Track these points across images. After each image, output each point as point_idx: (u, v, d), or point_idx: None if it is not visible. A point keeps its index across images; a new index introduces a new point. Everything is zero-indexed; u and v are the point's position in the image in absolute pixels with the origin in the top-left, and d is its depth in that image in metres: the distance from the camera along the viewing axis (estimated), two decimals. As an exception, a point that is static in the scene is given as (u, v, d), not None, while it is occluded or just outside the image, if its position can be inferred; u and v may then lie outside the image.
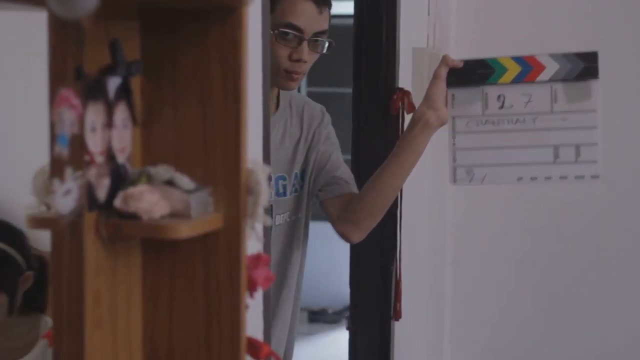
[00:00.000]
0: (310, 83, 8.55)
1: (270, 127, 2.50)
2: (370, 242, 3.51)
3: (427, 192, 4.03)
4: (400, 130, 3.53)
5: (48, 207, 1.64)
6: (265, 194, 1.66)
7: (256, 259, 1.71)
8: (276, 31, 2.86)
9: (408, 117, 3.59)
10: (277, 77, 2.91)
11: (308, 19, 2.94)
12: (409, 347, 3.97)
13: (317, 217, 2.96)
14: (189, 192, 1.61)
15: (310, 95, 8.63)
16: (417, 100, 3.65)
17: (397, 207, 3.49)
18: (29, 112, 3.69)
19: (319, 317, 8.56)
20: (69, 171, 1.53)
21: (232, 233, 1.65)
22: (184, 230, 1.56)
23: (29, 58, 3.43)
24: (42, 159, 1.73)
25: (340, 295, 8.48)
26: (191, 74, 1.67)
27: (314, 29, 2.95)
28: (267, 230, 2.61)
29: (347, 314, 8.10)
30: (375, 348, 3.52)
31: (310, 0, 2.94)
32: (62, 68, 1.56)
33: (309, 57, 2.95)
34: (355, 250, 3.55)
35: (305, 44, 2.93)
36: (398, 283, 3.52)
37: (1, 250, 2.78)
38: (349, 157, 3.69)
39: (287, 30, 2.91)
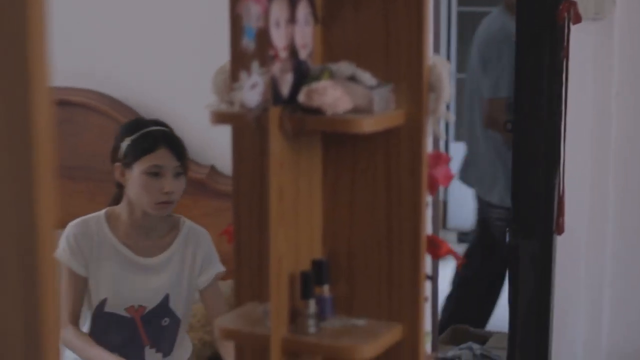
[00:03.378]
0: (461, 2, 8.37)
1: None
2: (533, 157, 3.45)
3: (591, 105, 3.94)
4: (566, 41, 3.45)
5: (230, 104, 1.65)
6: (447, 90, 1.63)
7: (436, 157, 1.69)
8: None
9: (574, 28, 3.51)
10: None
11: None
12: (570, 261, 3.92)
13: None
14: (371, 87, 1.60)
15: (462, 14, 8.47)
16: (582, 10, 3.56)
17: (561, 119, 3.43)
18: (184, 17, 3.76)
19: (468, 238, 8.50)
20: (254, 65, 1.54)
21: (414, 130, 1.63)
22: (367, 125, 1.55)
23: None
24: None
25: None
26: (372, -31, 1.65)
27: None
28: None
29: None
30: (537, 262, 3.47)
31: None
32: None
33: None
34: (517, 164, 3.49)
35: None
36: (561, 197, 3.45)
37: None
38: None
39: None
